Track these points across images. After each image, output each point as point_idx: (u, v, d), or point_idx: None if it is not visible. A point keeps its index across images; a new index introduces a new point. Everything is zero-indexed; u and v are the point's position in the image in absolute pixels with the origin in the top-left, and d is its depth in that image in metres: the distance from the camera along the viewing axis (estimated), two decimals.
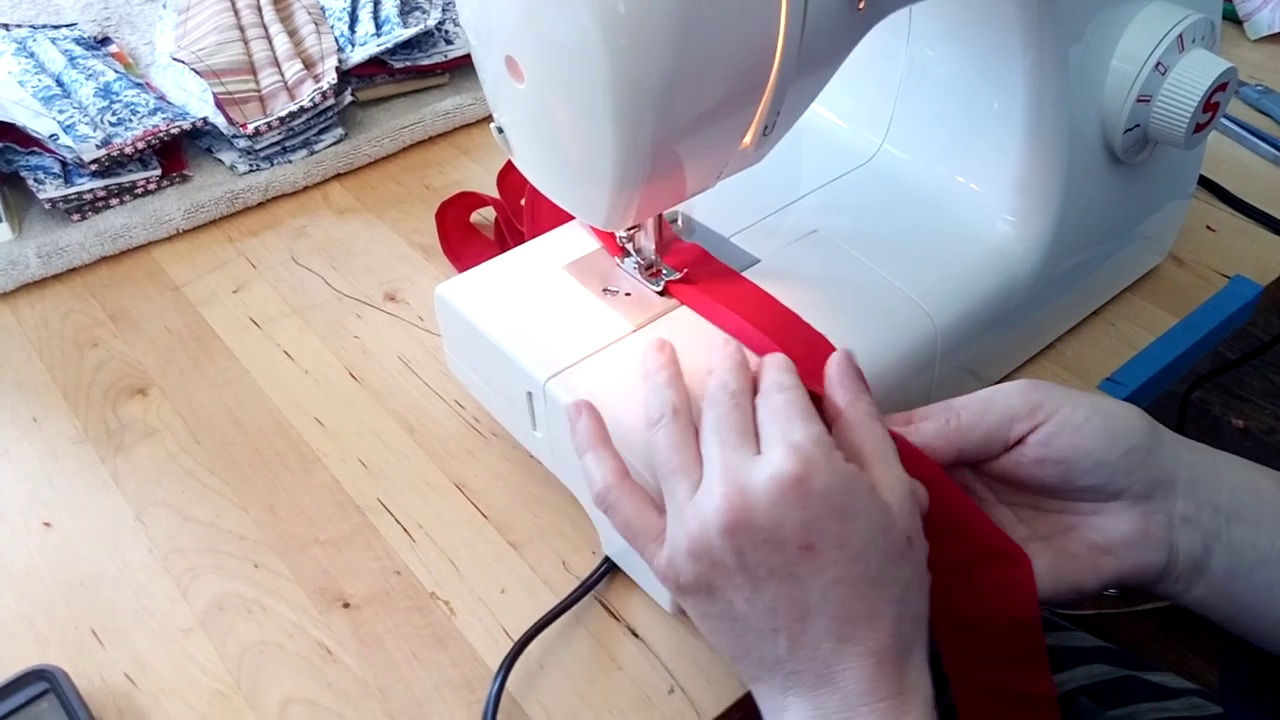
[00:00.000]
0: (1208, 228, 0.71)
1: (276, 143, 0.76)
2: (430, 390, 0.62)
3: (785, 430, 0.40)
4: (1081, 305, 0.64)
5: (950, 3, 0.54)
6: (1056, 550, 0.45)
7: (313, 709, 0.48)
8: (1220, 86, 0.53)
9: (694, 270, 0.54)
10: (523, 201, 0.66)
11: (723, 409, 0.42)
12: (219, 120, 0.76)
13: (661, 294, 0.53)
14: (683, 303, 0.53)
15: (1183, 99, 0.53)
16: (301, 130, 0.77)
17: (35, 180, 0.71)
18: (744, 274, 0.54)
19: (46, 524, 0.56)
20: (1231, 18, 0.91)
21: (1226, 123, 0.80)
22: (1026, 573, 0.43)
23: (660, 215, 0.52)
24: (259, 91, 0.78)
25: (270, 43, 0.82)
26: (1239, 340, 1.31)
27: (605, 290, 0.54)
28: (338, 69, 0.79)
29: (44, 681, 0.47)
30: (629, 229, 0.52)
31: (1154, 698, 0.62)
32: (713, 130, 0.44)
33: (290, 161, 0.77)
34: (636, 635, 0.50)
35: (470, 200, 0.73)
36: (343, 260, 0.72)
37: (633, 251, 0.54)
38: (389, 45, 0.81)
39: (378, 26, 0.83)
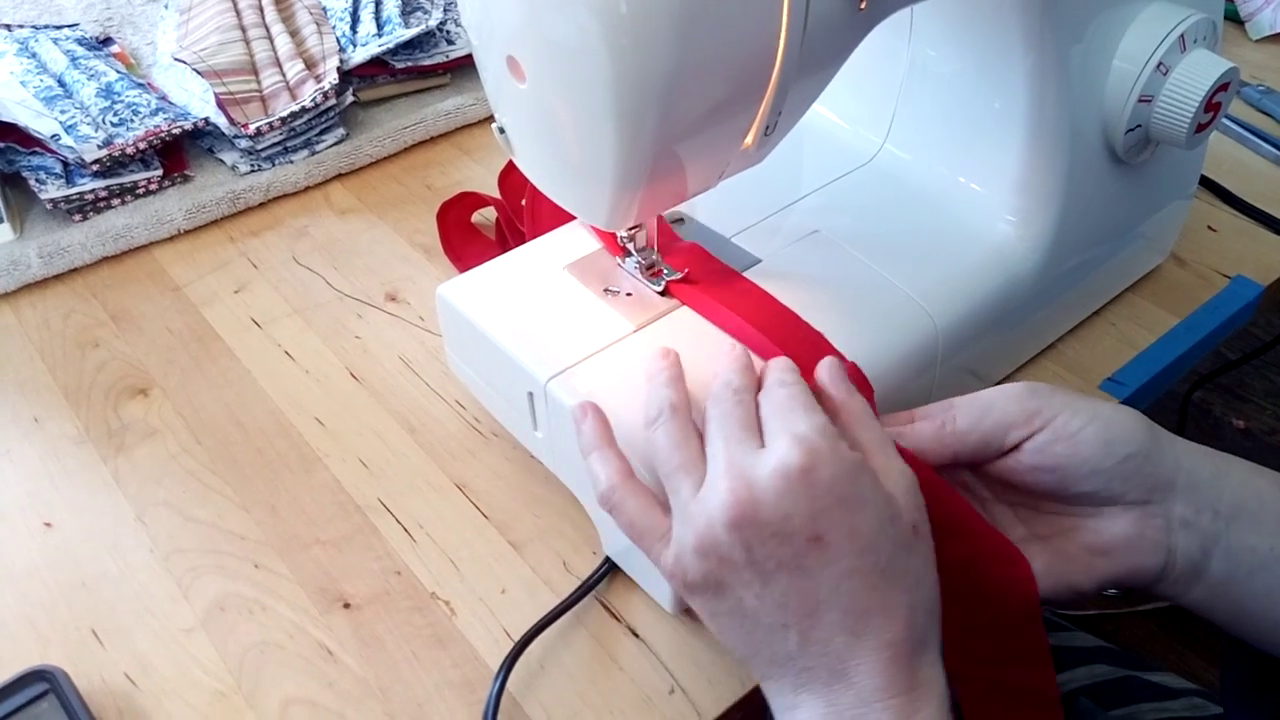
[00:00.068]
0: (1209, 228, 0.71)
1: (278, 143, 0.76)
2: (431, 390, 0.62)
3: (789, 422, 0.40)
4: (1083, 305, 0.64)
5: (952, 3, 0.54)
6: (1054, 551, 0.45)
7: (313, 709, 0.48)
8: (1222, 87, 0.53)
9: (695, 270, 0.54)
10: (523, 202, 0.66)
11: (726, 405, 0.42)
12: (220, 120, 0.76)
13: (662, 294, 0.53)
14: (684, 303, 0.53)
15: (1184, 99, 0.53)
16: (303, 130, 0.77)
17: (37, 180, 0.71)
18: (745, 274, 0.54)
19: (47, 524, 0.56)
20: (1233, 18, 0.91)
21: (1228, 123, 0.80)
22: (1025, 570, 0.43)
23: (661, 215, 0.52)
24: (260, 92, 0.78)
25: (272, 43, 0.82)
26: (1240, 340, 1.31)
27: (606, 290, 0.54)
28: (339, 69, 0.79)
29: (44, 682, 0.47)
30: (630, 229, 0.52)
31: (1155, 698, 0.62)
32: (714, 130, 0.44)
33: (292, 162, 0.77)
34: (637, 635, 0.50)
35: (471, 200, 0.73)
36: (344, 260, 0.72)
37: (634, 251, 0.54)
38: (390, 45, 0.81)
39: (379, 27, 0.83)
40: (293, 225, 0.75)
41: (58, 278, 0.71)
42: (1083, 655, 0.66)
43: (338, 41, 0.82)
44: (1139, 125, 0.55)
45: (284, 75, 0.79)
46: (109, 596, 0.52)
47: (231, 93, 0.77)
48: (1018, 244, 0.56)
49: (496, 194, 0.73)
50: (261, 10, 0.84)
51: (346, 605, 0.52)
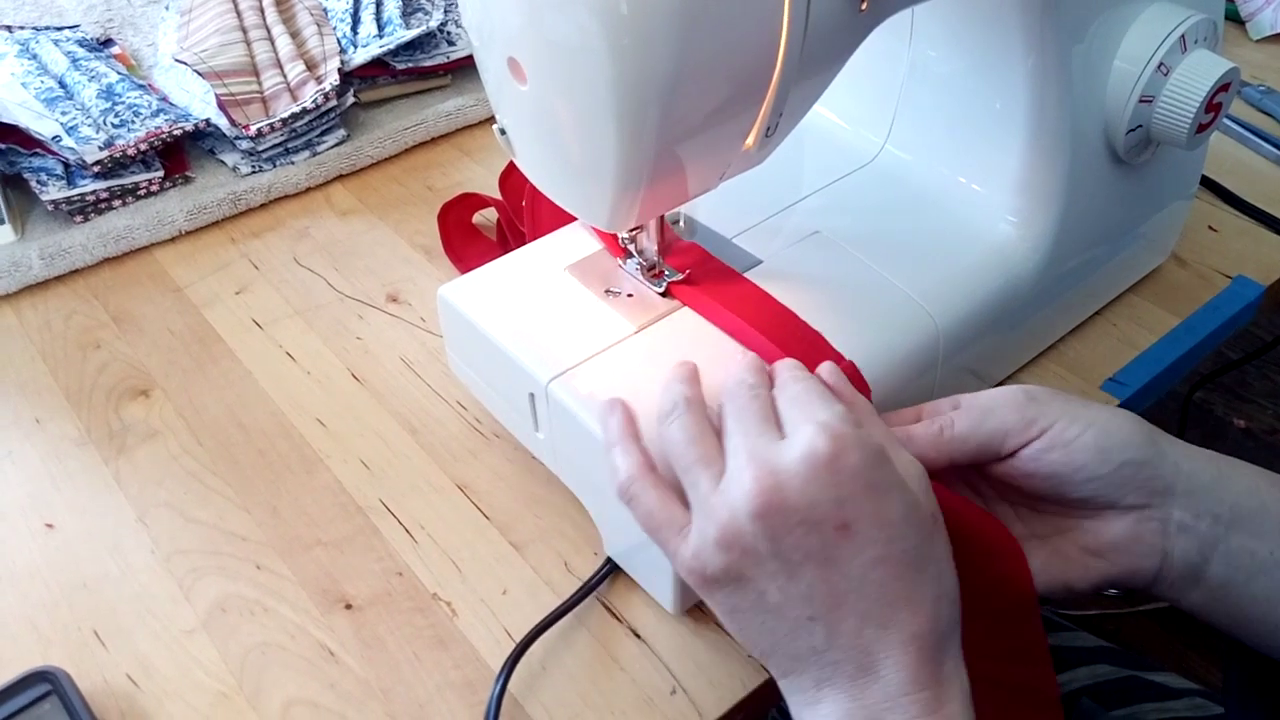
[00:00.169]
0: (1210, 228, 0.71)
1: (279, 144, 0.76)
2: (432, 391, 0.62)
3: (810, 412, 0.40)
4: (1084, 306, 0.64)
5: (952, 4, 0.54)
6: (1051, 550, 0.45)
7: (315, 710, 0.48)
8: (1223, 87, 0.53)
9: (696, 271, 0.54)
10: (524, 203, 0.66)
11: (742, 399, 0.42)
12: (221, 122, 0.76)
13: (664, 295, 0.53)
14: (685, 304, 0.53)
15: (1185, 99, 0.53)
16: (304, 131, 0.77)
17: (38, 182, 0.71)
18: (746, 275, 0.54)
19: (49, 525, 0.56)
20: (1234, 18, 0.91)
21: (1229, 123, 0.80)
22: (1022, 565, 0.43)
23: (662, 216, 0.52)
24: (261, 93, 0.78)
25: (273, 44, 0.82)
26: (1241, 340, 1.31)
27: (607, 291, 0.54)
28: (340, 70, 0.79)
29: (46, 683, 0.47)
30: (631, 230, 0.52)
31: (1156, 698, 0.62)
32: (715, 131, 0.44)
33: (292, 163, 0.77)
34: (638, 636, 0.50)
35: (472, 201, 0.73)
36: (345, 261, 0.72)
37: (635, 253, 0.54)
38: (391, 46, 0.81)
39: (380, 28, 0.83)
40: (294, 226, 0.75)
41: (59, 279, 0.71)
42: (1085, 655, 0.66)
43: (338, 42, 0.82)
44: (1140, 125, 0.55)
45: (285, 76, 0.79)
46: (110, 597, 0.52)
47: (232, 94, 0.77)
48: (1019, 244, 0.56)
49: (497, 195, 0.73)
50: (262, 11, 0.84)
51: (348, 606, 0.52)
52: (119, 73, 0.80)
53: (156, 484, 0.58)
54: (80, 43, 0.84)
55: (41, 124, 0.72)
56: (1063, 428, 0.43)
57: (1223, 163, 0.76)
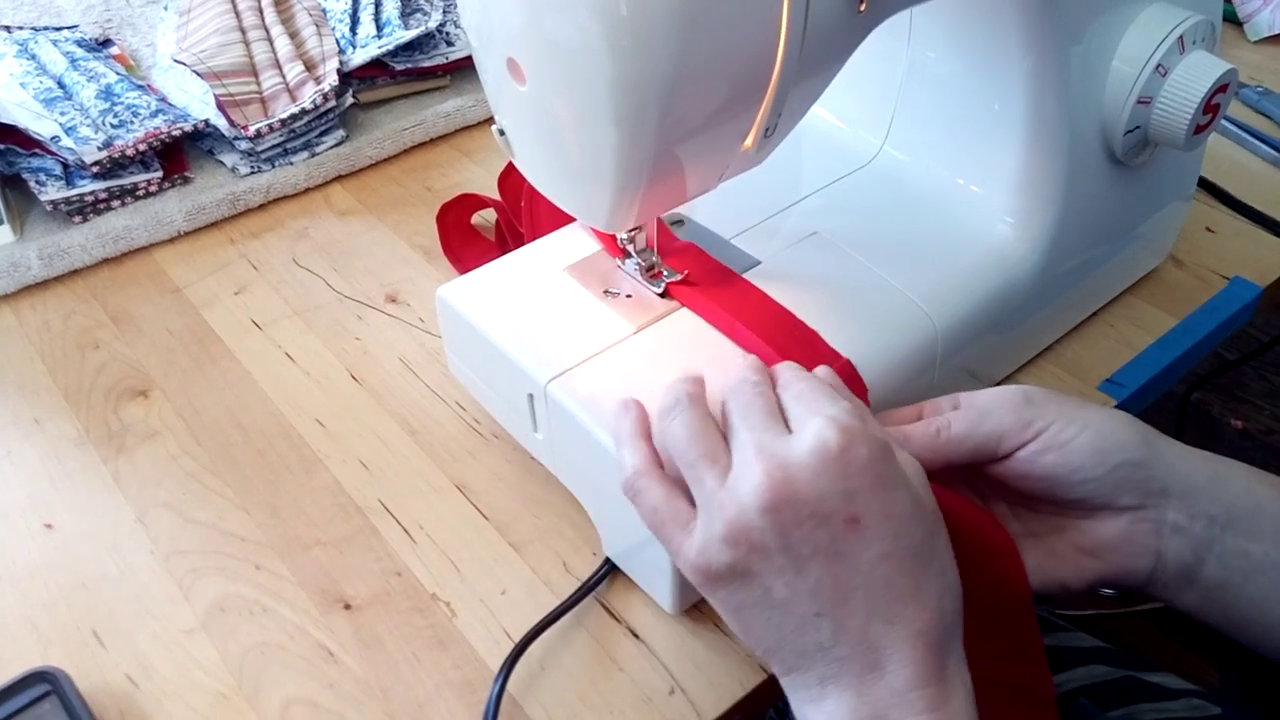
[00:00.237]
0: (1207, 229, 0.71)
1: (278, 144, 0.76)
2: (431, 392, 0.62)
3: (817, 406, 0.40)
4: (1081, 307, 0.64)
5: (951, 5, 0.54)
6: (1046, 548, 0.45)
7: (314, 710, 0.48)
8: (1220, 88, 0.53)
9: (695, 272, 0.54)
10: (523, 203, 0.66)
11: (747, 396, 0.41)
12: (220, 122, 0.76)
13: (662, 296, 0.53)
14: (683, 304, 0.53)
15: (1183, 100, 0.53)
16: (303, 132, 0.77)
17: (37, 182, 0.71)
18: (745, 275, 0.54)
19: (48, 525, 0.56)
20: (1232, 19, 0.91)
21: (1226, 124, 0.80)
22: (1017, 564, 0.43)
23: (661, 217, 0.52)
24: (260, 93, 0.78)
25: (271, 44, 0.82)
26: (1238, 341, 1.31)
27: (606, 292, 0.54)
28: (339, 71, 0.79)
29: (46, 683, 0.47)
30: (630, 231, 0.52)
31: (1154, 698, 0.62)
32: (714, 132, 0.44)
33: (291, 163, 0.77)
34: (637, 636, 0.50)
35: (471, 202, 0.73)
36: (344, 262, 0.72)
37: (634, 253, 0.54)
38: (390, 47, 0.81)
39: (379, 28, 0.83)
40: (293, 227, 0.75)
41: (58, 279, 0.71)
42: (1082, 655, 0.66)
43: (337, 43, 0.82)
44: (1138, 126, 0.55)
45: (284, 77, 0.79)
46: (110, 598, 0.52)
47: (231, 94, 0.77)
48: (1017, 245, 0.56)
49: (496, 196, 0.73)
50: (261, 12, 0.84)
51: (347, 606, 0.52)
52: (118, 73, 0.80)
53: (155, 484, 0.58)
54: (79, 43, 0.84)
55: (40, 124, 0.72)
56: (1059, 430, 0.43)
57: (1220, 164, 0.76)
